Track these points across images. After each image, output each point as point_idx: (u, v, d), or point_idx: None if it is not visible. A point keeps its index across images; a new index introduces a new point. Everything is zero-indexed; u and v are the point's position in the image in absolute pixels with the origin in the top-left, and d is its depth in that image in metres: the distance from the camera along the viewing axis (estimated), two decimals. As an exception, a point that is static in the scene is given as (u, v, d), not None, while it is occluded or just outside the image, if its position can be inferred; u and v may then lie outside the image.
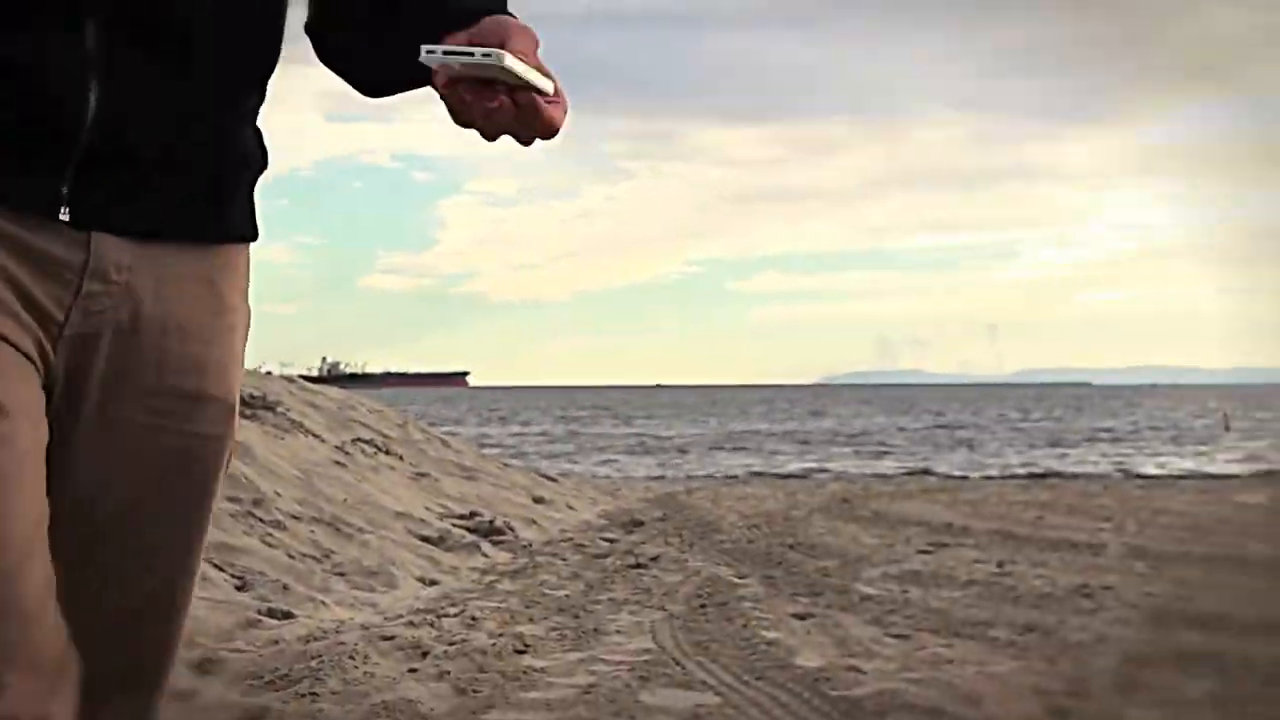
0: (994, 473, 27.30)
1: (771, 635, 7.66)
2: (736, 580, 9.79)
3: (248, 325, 1.84)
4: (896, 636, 7.76)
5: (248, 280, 1.84)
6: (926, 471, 27.83)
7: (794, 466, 30.21)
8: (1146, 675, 6.84)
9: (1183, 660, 7.12)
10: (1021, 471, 27.55)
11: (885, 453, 37.35)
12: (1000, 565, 10.55)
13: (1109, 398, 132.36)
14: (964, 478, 25.42)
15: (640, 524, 13.48)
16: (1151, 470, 26.98)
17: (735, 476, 26.06)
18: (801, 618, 8.28)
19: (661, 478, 25.03)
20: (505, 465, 17.63)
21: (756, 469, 29.25)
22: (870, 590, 9.32)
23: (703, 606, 8.62)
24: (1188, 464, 28.88)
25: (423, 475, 13.58)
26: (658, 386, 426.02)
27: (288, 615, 7.52)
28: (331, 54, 1.86)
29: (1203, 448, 37.07)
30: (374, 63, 1.82)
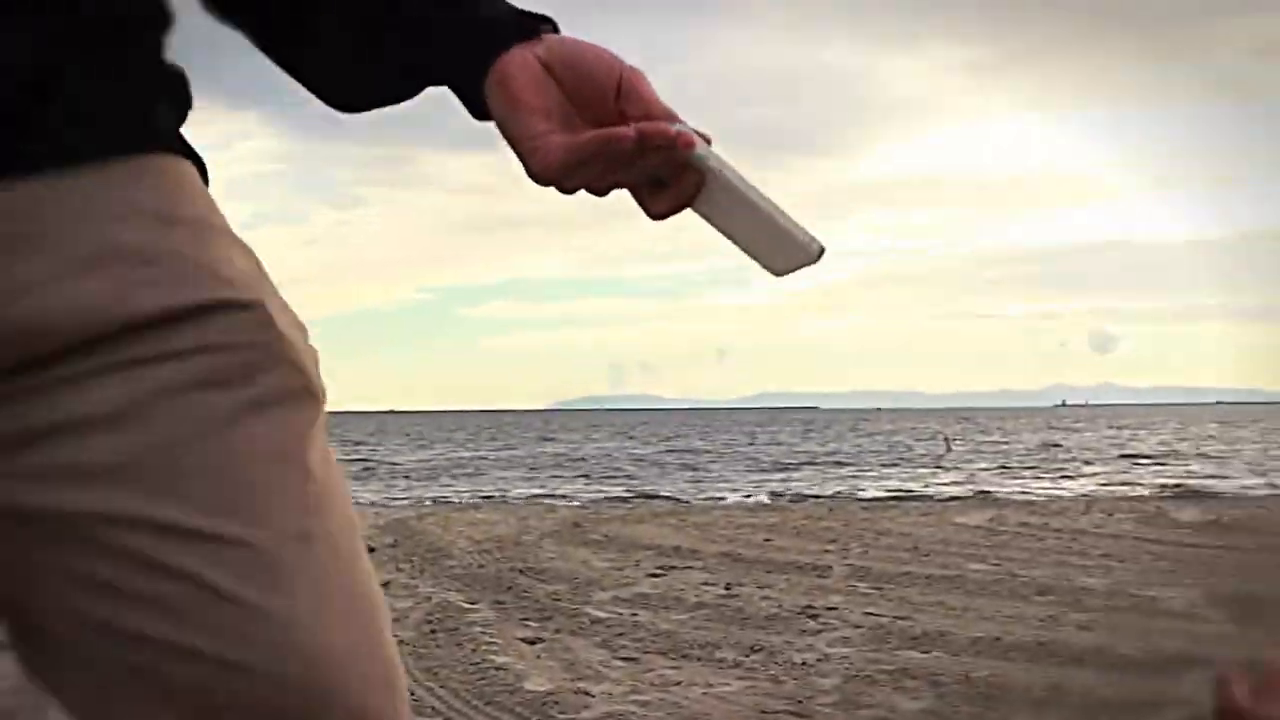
0: (723, 496, 27.64)
1: (501, 660, 7.67)
2: (467, 605, 9.76)
3: (241, 247, 1.30)
4: (625, 659, 7.82)
5: (205, 198, 1.31)
6: (656, 495, 28.05)
7: (523, 491, 30.21)
8: (867, 693, 7.01)
9: (902, 678, 7.31)
10: (750, 494, 27.95)
11: (612, 477, 37.57)
12: (728, 587, 10.69)
13: (835, 421, 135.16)
14: (693, 502, 25.67)
15: (370, 550, 13.15)
16: (875, 493, 27.56)
17: (466, 502, 25.94)
18: (531, 642, 8.30)
19: (392, 503, 24.79)
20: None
21: (487, 494, 29.18)
22: (600, 614, 9.37)
23: (433, 632, 8.59)
24: (910, 486, 29.57)
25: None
26: (389, 413, 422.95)
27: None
28: (295, 62, 1.41)
29: (924, 470, 38.04)
30: (362, 72, 1.39)
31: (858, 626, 8.86)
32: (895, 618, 9.17)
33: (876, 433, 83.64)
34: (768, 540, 14.71)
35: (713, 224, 1.28)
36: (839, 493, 28.06)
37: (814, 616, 9.25)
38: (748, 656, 7.92)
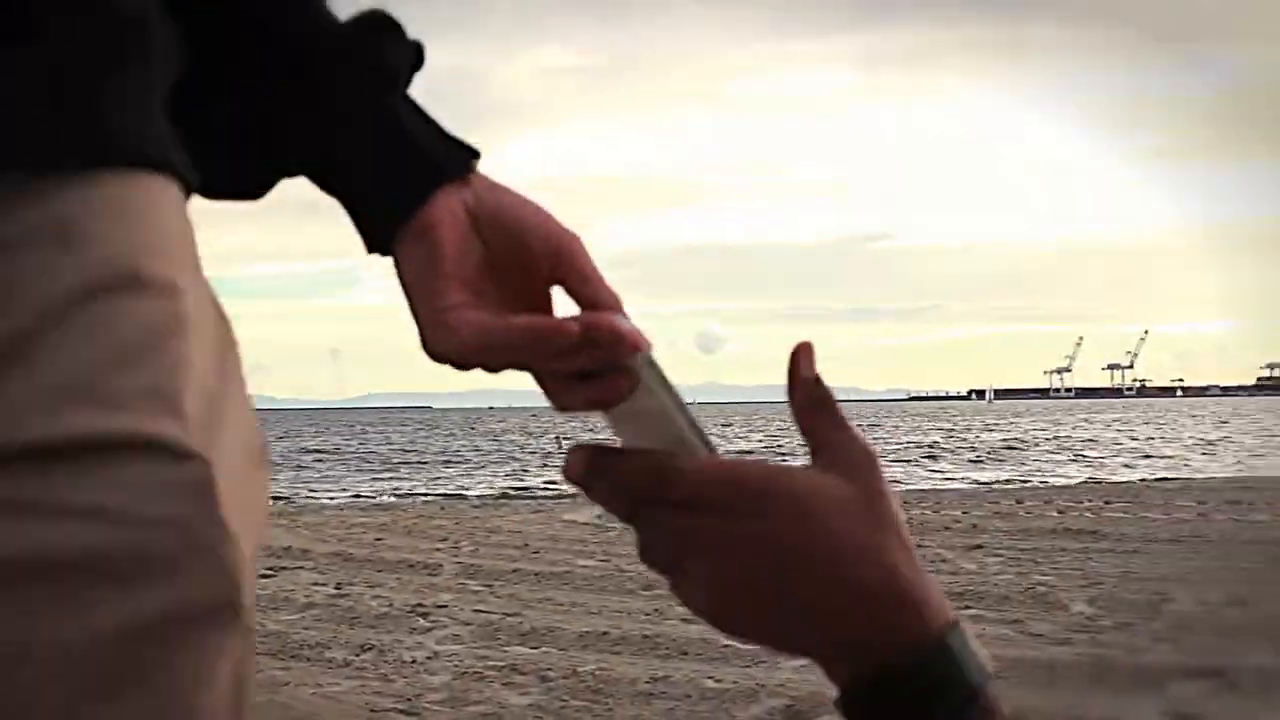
0: (334, 496, 27.39)
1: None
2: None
3: (219, 334, 0.95)
4: (233, 661, 7.71)
5: (183, 244, 0.93)
6: (266, 496, 27.56)
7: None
8: (477, 690, 7.06)
9: (511, 674, 7.39)
10: (361, 494, 27.76)
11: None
12: (338, 587, 10.63)
13: (448, 421, 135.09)
14: (303, 501, 25.37)
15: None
16: (486, 491, 27.66)
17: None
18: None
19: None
20: None
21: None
22: (207, 616, 9.21)
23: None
24: (521, 484, 29.77)
25: None
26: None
27: None
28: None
29: (535, 468, 38.33)
30: (255, 170, 1.07)
31: (468, 624, 8.91)
32: (505, 614, 9.25)
33: (489, 431, 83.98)
34: (379, 539, 14.65)
35: (620, 434, 1.05)
36: (451, 491, 28.09)
37: (424, 615, 9.27)
38: (358, 656, 7.89)
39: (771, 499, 0.92)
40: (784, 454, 42.10)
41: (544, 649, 8.09)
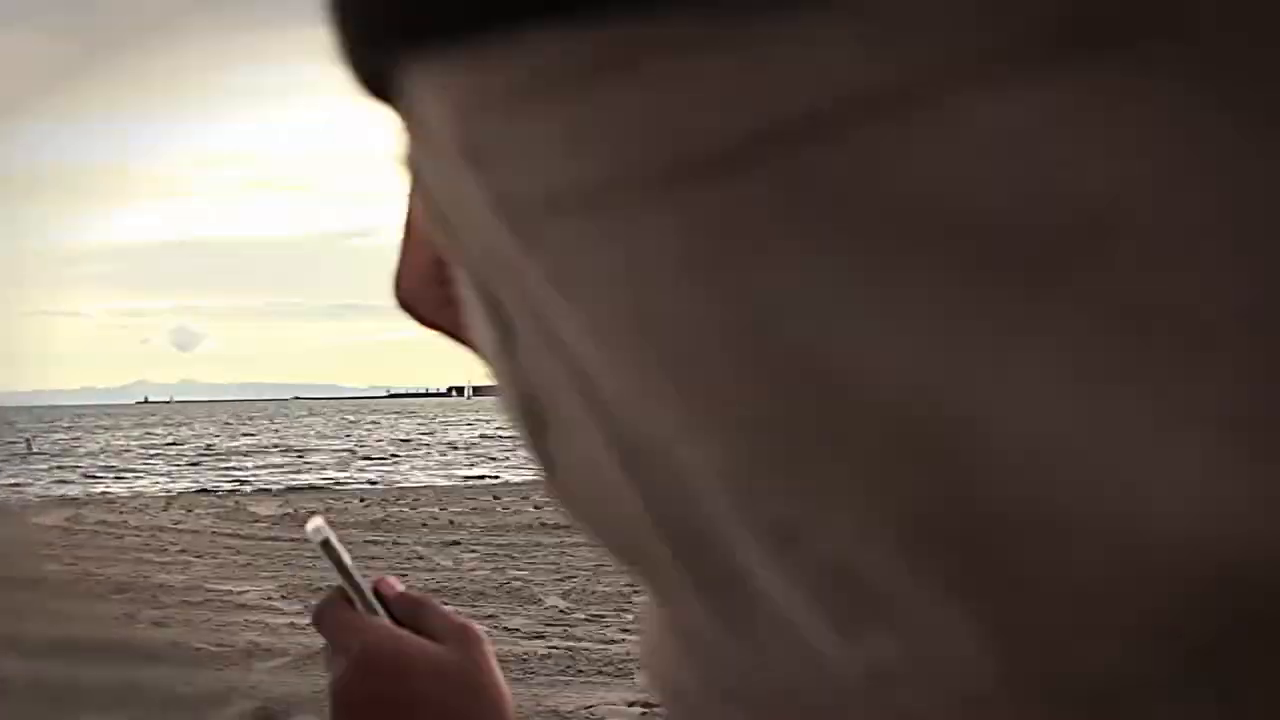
0: None
1: None
2: None
3: None
4: None
5: None
6: None
7: None
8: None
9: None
10: None
11: None
12: None
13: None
14: None
15: None
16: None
17: None
18: None
19: None
20: None
21: None
22: None
23: None
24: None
25: None
26: None
27: None
28: None
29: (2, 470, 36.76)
30: None
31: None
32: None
33: (-48, 431, 79.97)
34: None
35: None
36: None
37: None
38: None
39: (382, 658, 0.97)
40: (264, 452, 41.37)
41: (6, 658, 7.79)
